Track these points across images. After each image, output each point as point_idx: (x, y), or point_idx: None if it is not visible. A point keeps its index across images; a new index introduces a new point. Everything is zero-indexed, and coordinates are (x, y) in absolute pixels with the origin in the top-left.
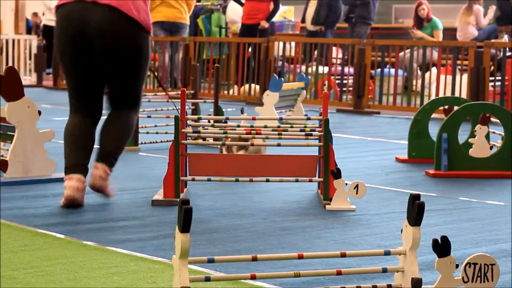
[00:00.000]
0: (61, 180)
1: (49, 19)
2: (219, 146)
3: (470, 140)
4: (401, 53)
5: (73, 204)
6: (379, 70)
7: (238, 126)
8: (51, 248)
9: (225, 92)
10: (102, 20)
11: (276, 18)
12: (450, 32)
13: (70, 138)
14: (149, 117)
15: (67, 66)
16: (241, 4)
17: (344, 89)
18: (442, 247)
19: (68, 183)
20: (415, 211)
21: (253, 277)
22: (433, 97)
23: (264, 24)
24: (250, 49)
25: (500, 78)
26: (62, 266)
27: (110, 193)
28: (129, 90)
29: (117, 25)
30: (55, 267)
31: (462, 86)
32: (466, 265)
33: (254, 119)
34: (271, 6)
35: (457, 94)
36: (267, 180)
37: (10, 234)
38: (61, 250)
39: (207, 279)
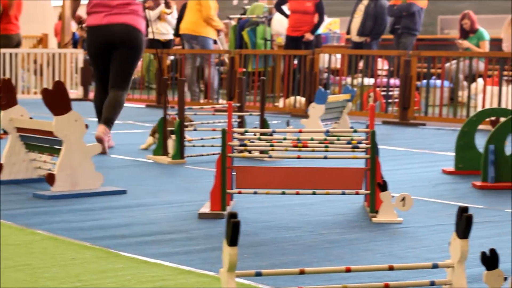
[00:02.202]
0: (108, 193)
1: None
2: (265, 159)
3: None
4: (447, 64)
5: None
6: (425, 81)
7: (285, 139)
8: (99, 261)
9: (271, 104)
10: (122, 32)
11: (321, 30)
12: (496, 43)
13: (97, 110)
14: (195, 130)
15: (96, 60)
16: (286, 16)
17: (390, 100)
18: (490, 259)
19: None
20: (464, 224)
21: None
22: (479, 108)
23: (309, 37)
24: (296, 61)
25: None
26: (110, 279)
27: (110, 143)
28: (128, 72)
29: (129, 33)
30: (103, 280)
31: (509, 97)
32: None
33: (300, 131)
34: (316, 18)
35: (503, 105)
36: (314, 193)
37: (58, 247)
38: (109, 263)
39: None
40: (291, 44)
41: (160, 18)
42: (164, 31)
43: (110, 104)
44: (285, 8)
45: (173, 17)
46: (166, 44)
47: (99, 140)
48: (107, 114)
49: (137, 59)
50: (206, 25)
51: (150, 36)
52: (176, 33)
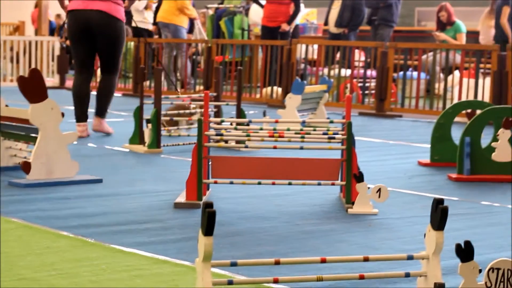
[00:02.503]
0: (84, 182)
1: (139, 21)
2: (241, 149)
3: (492, 144)
4: (424, 56)
5: (81, 137)
6: (401, 73)
7: (261, 129)
8: (74, 250)
9: (248, 94)
10: (98, 18)
11: (298, 21)
12: (472, 36)
13: (75, 98)
14: (171, 119)
15: (75, 44)
16: (262, 6)
17: (367, 92)
18: (465, 251)
19: (77, 128)
20: (439, 216)
21: (275, 281)
22: (455, 100)
23: (285, 27)
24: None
25: None
26: (85, 268)
27: (109, 130)
28: (112, 58)
29: (105, 20)
30: (78, 269)
31: (485, 89)
32: (489, 270)
33: (277, 122)
34: (292, 8)
35: (479, 98)
36: (290, 183)
37: (33, 236)
38: (84, 252)
39: (230, 282)
40: (267, 34)
41: (147, 7)
42: (151, 20)
43: (101, 94)
44: None
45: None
46: (152, 33)
47: (98, 131)
48: (100, 105)
49: (118, 45)
50: (179, 13)
51: (133, 24)
52: (154, 22)
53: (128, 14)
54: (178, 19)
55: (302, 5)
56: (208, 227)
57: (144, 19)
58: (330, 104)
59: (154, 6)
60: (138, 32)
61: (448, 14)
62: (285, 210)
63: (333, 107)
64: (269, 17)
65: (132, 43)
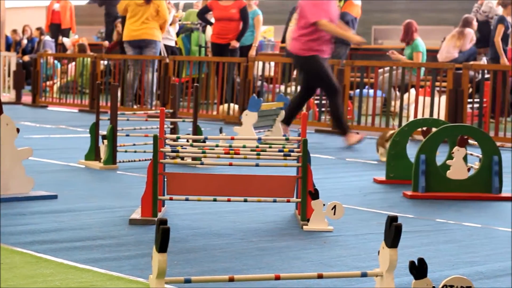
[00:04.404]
0: (39, 197)
1: (164, 37)
2: (197, 166)
3: (448, 162)
4: (380, 70)
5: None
6: (358, 91)
7: (217, 145)
8: (28, 266)
9: (204, 111)
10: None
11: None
12: (429, 54)
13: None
14: (127, 135)
15: None
16: (210, 24)
17: (323, 109)
18: (418, 269)
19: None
20: (392, 233)
21: None
22: (411, 118)
23: (235, 44)
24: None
25: (478, 100)
26: (39, 284)
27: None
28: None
29: None
30: (32, 285)
31: (441, 107)
32: (442, 287)
33: (232, 139)
34: (241, 25)
35: (435, 116)
36: (245, 200)
37: None
38: (38, 268)
39: None
40: (216, 51)
41: (172, 23)
42: (174, 36)
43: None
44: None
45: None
46: (176, 50)
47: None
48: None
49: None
50: (160, 29)
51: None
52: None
53: None
54: (160, 35)
55: (261, 24)
56: (162, 243)
57: (169, 35)
58: None
59: (178, 21)
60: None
61: (412, 30)
62: (240, 227)
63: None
64: (218, 34)
65: (89, 59)
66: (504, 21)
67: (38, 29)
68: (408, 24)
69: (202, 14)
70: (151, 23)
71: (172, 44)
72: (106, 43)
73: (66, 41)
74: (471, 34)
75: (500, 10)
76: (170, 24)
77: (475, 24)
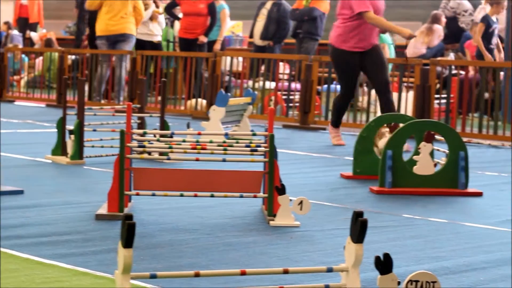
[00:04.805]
0: (5, 193)
1: (143, 33)
2: (164, 161)
3: (414, 157)
4: None
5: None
6: (325, 86)
7: (184, 141)
8: None
9: (172, 106)
10: None
11: (224, 33)
12: (398, 49)
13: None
14: (94, 130)
15: None
16: (178, 19)
17: (291, 104)
18: (384, 264)
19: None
20: (358, 228)
21: None
22: (378, 114)
23: (203, 39)
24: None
25: (445, 96)
26: (4, 280)
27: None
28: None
29: None
30: None
31: (408, 103)
32: (408, 282)
33: (199, 134)
34: (209, 20)
35: (402, 111)
36: (212, 195)
37: None
38: (4, 264)
39: None
40: (184, 46)
41: (152, 18)
42: (156, 32)
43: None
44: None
45: (163, 18)
46: (158, 46)
47: None
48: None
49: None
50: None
51: (139, 37)
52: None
53: None
54: (135, 30)
55: (227, 18)
56: (128, 239)
57: (149, 31)
58: (254, 116)
59: (160, 17)
60: (142, 45)
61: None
62: (207, 222)
63: (257, 120)
64: (186, 29)
65: (57, 54)
66: (485, 20)
67: (6, 23)
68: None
69: (170, 8)
70: (129, 18)
71: (155, 39)
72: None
73: (33, 35)
74: (439, 30)
75: (468, 5)
76: (152, 20)
77: (443, 20)
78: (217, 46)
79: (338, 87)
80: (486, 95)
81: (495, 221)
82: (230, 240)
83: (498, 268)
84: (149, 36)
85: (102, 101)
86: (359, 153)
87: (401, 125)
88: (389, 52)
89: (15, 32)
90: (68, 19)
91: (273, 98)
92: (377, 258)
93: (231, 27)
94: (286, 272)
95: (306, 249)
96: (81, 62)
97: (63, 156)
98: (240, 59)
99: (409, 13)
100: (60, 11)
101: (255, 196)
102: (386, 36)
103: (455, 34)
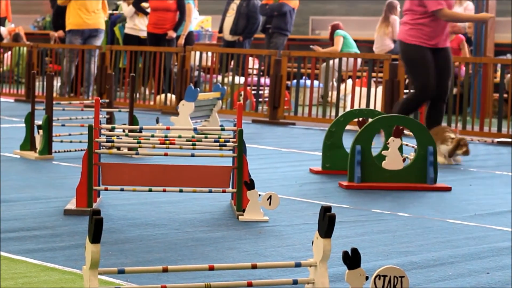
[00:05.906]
0: None
1: (129, 27)
2: (133, 156)
3: (383, 152)
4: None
5: None
6: (295, 81)
7: (153, 136)
8: None
9: (142, 101)
10: None
11: (193, 28)
12: (366, 45)
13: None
14: (63, 125)
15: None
16: (146, 14)
17: (260, 99)
18: (352, 259)
19: None
20: (326, 223)
21: None
22: (348, 109)
23: (172, 34)
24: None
25: None
26: None
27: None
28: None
29: None
30: None
31: (377, 98)
32: (376, 277)
33: (168, 129)
34: (178, 15)
35: (372, 106)
36: (181, 191)
37: None
38: None
39: None
40: (153, 41)
41: (137, 13)
42: (142, 27)
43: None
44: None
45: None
46: (144, 41)
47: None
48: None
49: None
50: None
51: (127, 31)
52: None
53: None
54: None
55: (196, 12)
56: (95, 234)
57: (134, 26)
58: (224, 111)
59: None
60: (129, 40)
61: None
62: (176, 217)
63: (227, 115)
64: (155, 24)
65: (25, 49)
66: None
67: None
68: (333, 26)
69: (138, 3)
70: (100, 14)
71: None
72: (61, 32)
73: (2, 30)
74: (396, 20)
75: None
76: (138, 15)
77: (399, 9)
78: (181, 41)
79: (308, 82)
80: (455, 90)
81: (463, 216)
82: (199, 235)
83: (466, 262)
84: (135, 31)
85: (71, 95)
86: (328, 148)
87: (370, 120)
88: (349, 44)
89: None
90: (37, 14)
91: (242, 93)
92: (345, 253)
93: (200, 21)
94: (254, 267)
95: (274, 244)
96: (50, 57)
97: (31, 151)
98: (210, 54)
99: (376, 8)
100: (29, 6)
101: (224, 191)
102: (340, 31)
103: None
